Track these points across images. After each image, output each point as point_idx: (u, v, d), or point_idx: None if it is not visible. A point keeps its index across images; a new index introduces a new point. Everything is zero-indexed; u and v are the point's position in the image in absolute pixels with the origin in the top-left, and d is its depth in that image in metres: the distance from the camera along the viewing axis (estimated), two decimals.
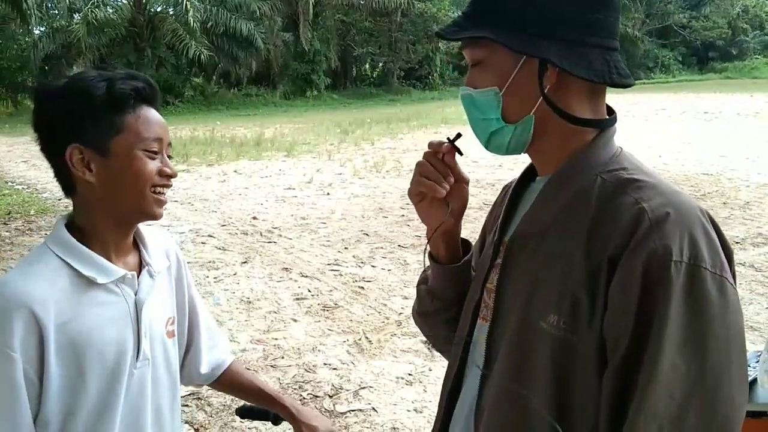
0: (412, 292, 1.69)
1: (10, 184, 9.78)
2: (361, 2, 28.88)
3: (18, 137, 14.89)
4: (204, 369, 1.36)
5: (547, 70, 0.89)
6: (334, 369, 3.69)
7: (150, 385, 1.16)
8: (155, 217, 1.12)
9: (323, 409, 3.25)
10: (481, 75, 0.94)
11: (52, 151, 1.09)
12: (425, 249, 1.12)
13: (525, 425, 0.90)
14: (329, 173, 10.40)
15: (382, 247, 6.17)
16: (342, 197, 8.61)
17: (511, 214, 1.03)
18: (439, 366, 3.60)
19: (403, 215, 7.38)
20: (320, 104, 26.49)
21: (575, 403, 0.85)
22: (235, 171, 10.78)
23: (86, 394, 1.06)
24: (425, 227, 1.09)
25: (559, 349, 0.86)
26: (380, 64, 34.10)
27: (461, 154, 1.02)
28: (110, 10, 23.98)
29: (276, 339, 4.11)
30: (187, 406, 3.22)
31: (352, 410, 3.25)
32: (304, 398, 3.36)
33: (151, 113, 1.11)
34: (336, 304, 4.71)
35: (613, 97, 0.94)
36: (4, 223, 7.18)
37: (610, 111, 0.97)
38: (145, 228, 1.21)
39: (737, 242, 5.92)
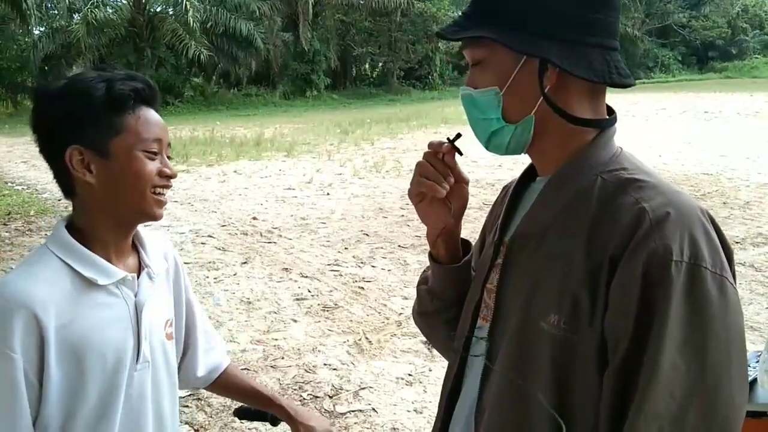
0: (412, 293, 1.69)
1: (10, 184, 9.78)
2: (361, 2, 28.88)
3: (18, 138, 14.89)
4: (200, 372, 1.36)
5: (547, 70, 0.89)
6: (334, 369, 3.69)
7: (150, 387, 1.16)
8: (155, 217, 1.12)
9: (323, 410, 3.25)
10: (482, 75, 0.94)
11: (52, 153, 1.09)
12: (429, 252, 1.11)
13: (526, 424, 0.90)
14: (329, 173, 10.40)
15: (382, 248, 6.17)
16: (342, 197, 8.61)
17: (512, 215, 1.03)
18: (439, 366, 3.60)
19: (403, 215, 7.38)
20: (320, 104, 26.49)
21: (575, 403, 0.85)
22: (235, 171, 10.78)
23: (86, 396, 1.06)
24: (425, 227, 1.09)
25: (560, 349, 0.86)
26: (380, 64, 34.10)
27: (461, 154, 1.02)
28: (110, 11, 23.98)
29: (276, 339, 4.11)
30: (186, 406, 3.22)
31: (352, 411, 3.25)
32: (304, 399, 3.36)
33: (151, 114, 1.11)
34: (336, 305, 4.71)
35: (613, 97, 0.93)
36: (4, 224, 7.18)
37: (610, 111, 0.97)
38: (143, 230, 1.21)
39: (737, 242, 5.92)
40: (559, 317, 0.86)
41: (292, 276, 5.38)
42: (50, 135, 1.08)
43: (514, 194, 1.05)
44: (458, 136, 1.02)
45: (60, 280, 1.05)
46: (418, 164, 1.02)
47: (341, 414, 3.21)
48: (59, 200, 7.99)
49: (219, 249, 6.22)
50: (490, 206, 1.17)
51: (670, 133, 14.13)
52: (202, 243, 6.43)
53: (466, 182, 1.05)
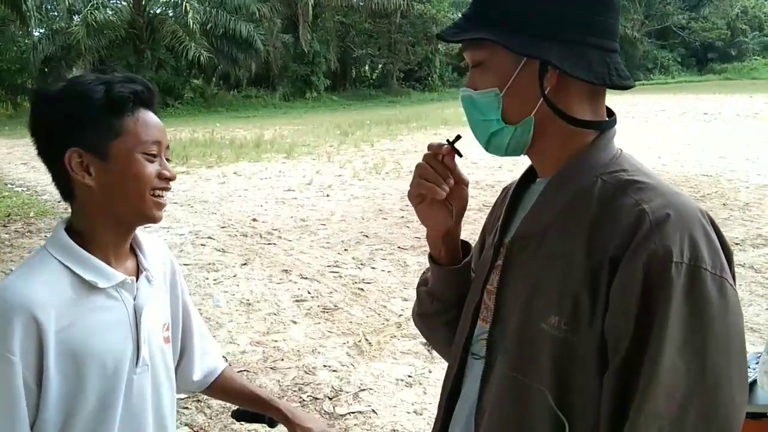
0: (412, 294, 1.69)
1: (9, 186, 9.77)
2: (361, 4, 28.90)
3: (18, 139, 14.88)
4: (196, 376, 1.36)
5: (547, 71, 0.89)
6: (334, 371, 3.69)
7: (150, 391, 1.16)
8: (155, 220, 1.12)
9: (323, 411, 3.25)
10: (482, 76, 0.94)
11: (51, 156, 1.08)
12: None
13: (526, 424, 0.90)
14: (329, 175, 10.40)
15: (381, 249, 6.17)
16: (342, 199, 8.61)
17: (512, 216, 1.03)
18: (439, 368, 3.60)
19: (402, 217, 7.38)
20: (320, 106, 26.50)
21: (576, 403, 0.86)
22: (235, 173, 10.78)
23: (85, 400, 1.05)
24: (425, 229, 1.09)
25: (560, 350, 0.86)
26: (380, 66, 34.11)
27: (461, 155, 1.02)
28: (110, 12, 23.97)
29: (276, 341, 4.11)
30: (186, 408, 3.22)
31: (352, 412, 3.25)
32: (303, 400, 3.36)
33: (150, 116, 1.11)
34: (336, 306, 4.71)
35: (612, 99, 0.94)
36: (4, 226, 7.17)
37: (610, 113, 0.97)
38: (141, 234, 1.21)
39: (737, 243, 5.92)
40: (559, 318, 0.86)
41: (291, 277, 5.38)
42: (49, 137, 1.08)
43: (514, 196, 1.05)
44: (458, 137, 1.02)
45: (60, 283, 1.05)
46: (418, 166, 1.02)
47: (341, 415, 3.21)
48: (59, 202, 7.98)
49: (219, 250, 6.22)
50: (490, 207, 1.17)
51: (669, 134, 14.14)
52: (202, 244, 6.43)
53: (466, 184, 1.05)
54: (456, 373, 1.05)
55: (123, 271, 1.13)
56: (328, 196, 8.84)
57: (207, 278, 5.34)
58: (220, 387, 1.40)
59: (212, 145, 13.84)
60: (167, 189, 1.12)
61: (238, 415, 1.44)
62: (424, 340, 1.75)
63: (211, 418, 3.16)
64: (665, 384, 0.78)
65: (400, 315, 4.47)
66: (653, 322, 0.79)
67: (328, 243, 6.45)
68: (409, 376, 3.61)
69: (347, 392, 3.44)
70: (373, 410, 3.26)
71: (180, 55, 23.50)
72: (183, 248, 6.25)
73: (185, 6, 21.81)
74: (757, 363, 1.73)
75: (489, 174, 9.53)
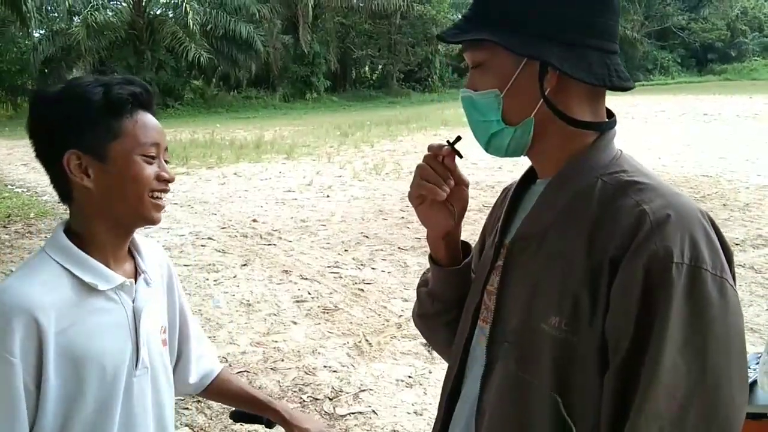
0: (412, 295, 1.70)
1: (9, 187, 9.77)
2: (361, 5, 28.91)
3: (18, 140, 14.89)
4: (193, 379, 1.36)
5: (547, 72, 0.89)
6: (334, 371, 3.69)
7: (150, 393, 1.15)
8: (154, 222, 1.12)
9: (323, 412, 3.25)
10: (482, 77, 0.94)
11: (49, 157, 1.08)
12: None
13: (527, 425, 0.90)
14: (329, 176, 10.40)
15: (381, 250, 6.17)
16: (342, 199, 8.61)
17: (512, 217, 1.03)
18: (439, 368, 3.60)
19: (402, 217, 7.39)
20: (320, 106, 26.51)
21: (576, 404, 0.86)
22: (235, 173, 10.78)
23: (84, 402, 1.05)
24: (425, 229, 1.09)
25: (560, 350, 0.86)
26: (380, 67, 34.13)
27: (461, 156, 1.02)
28: (110, 13, 23.97)
29: (276, 341, 4.11)
30: (187, 409, 3.22)
31: (352, 413, 3.25)
32: (304, 401, 3.36)
33: (148, 118, 1.10)
34: (336, 307, 4.71)
35: (612, 99, 0.94)
36: (4, 226, 7.17)
37: (610, 114, 0.98)
38: (138, 237, 1.20)
39: (737, 244, 5.92)
40: (559, 319, 0.86)
41: (291, 278, 5.38)
42: (48, 139, 1.08)
43: (514, 196, 1.05)
44: (458, 138, 1.03)
45: (60, 285, 1.04)
46: (419, 167, 1.03)
47: (341, 416, 3.21)
48: (59, 203, 7.92)
49: (219, 251, 6.22)
50: (490, 208, 1.17)
51: (669, 135, 14.14)
52: (202, 245, 6.43)
53: (466, 185, 1.05)
54: (456, 373, 1.06)
55: (122, 273, 1.13)
56: (328, 196, 8.84)
57: (207, 279, 5.35)
58: (216, 389, 1.40)
59: (212, 146, 13.84)
60: (166, 191, 1.12)
61: (236, 416, 1.45)
62: (425, 341, 1.76)
63: (211, 419, 3.16)
64: (666, 384, 0.78)
65: (401, 315, 4.47)
66: (654, 323, 0.79)
67: (328, 244, 6.45)
68: (410, 377, 3.61)
69: (347, 393, 3.44)
70: (374, 411, 3.26)
71: (180, 56, 23.51)
72: (183, 249, 6.25)
73: (185, 7, 21.82)
74: (758, 363, 1.73)
75: (489, 175, 9.54)
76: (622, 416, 0.80)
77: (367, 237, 6.66)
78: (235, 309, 4.68)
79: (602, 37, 0.90)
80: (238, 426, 3.06)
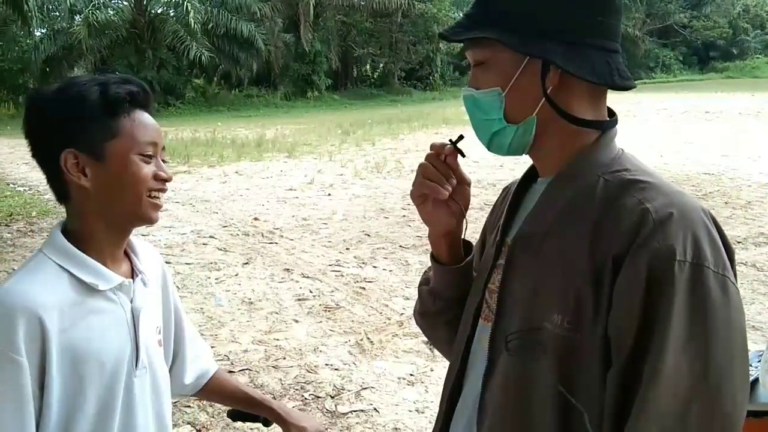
0: (414, 293, 1.70)
1: (11, 185, 9.78)
2: (362, 3, 28.90)
3: (20, 139, 14.66)
4: (188, 380, 1.36)
5: (549, 71, 0.89)
6: (336, 369, 3.70)
7: (150, 393, 1.15)
8: (151, 221, 1.11)
9: (325, 410, 3.25)
10: (484, 75, 0.94)
11: (46, 157, 1.08)
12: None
13: (529, 423, 0.90)
14: (330, 174, 10.40)
15: (383, 248, 6.17)
16: (343, 198, 8.61)
17: (513, 215, 1.03)
18: (440, 366, 3.61)
19: (404, 216, 7.39)
20: (321, 105, 26.51)
21: (580, 401, 0.86)
22: (237, 172, 10.78)
23: (85, 403, 1.05)
24: (426, 228, 1.09)
25: (563, 349, 0.86)
26: (381, 65, 34.12)
27: (463, 155, 1.02)
28: (111, 12, 24.00)
29: (277, 340, 4.11)
30: (188, 407, 3.22)
31: (354, 411, 3.25)
32: (305, 399, 3.37)
33: (146, 117, 1.10)
34: (337, 305, 4.71)
35: (614, 98, 0.94)
36: (6, 225, 7.18)
37: (611, 113, 0.98)
38: (132, 238, 1.20)
39: (739, 242, 5.92)
40: (562, 317, 0.86)
41: (293, 276, 5.38)
42: (44, 138, 1.07)
43: (516, 195, 1.05)
44: (460, 137, 1.03)
45: (60, 285, 1.04)
46: (421, 166, 1.03)
47: (343, 414, 3.22)
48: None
49: (220, 249, 6.22)
50: (491, 207, 1.17)
51: (671, 133, 14.13)
52: (204, 244, 6.44)
53: (468, 183, 1.05)
54: (458, 371, 1.06)
55: (119, 273, 1.12)
56: (329, 195, 8.84)
57: (209, 277, 5.35)
58: (212, 389, 1.40)
59: (214, 145, 13.84)
60: (163, 190, 1.12)
61: (233, 415, 1.45)
62: (426, 339, 1.76)
63: (213, 417, 3.17)
64: (668, 382, 0.78)
65: (402, 314, 4.47)
66: (656, 321, 0.79)
67: (329, 242, 6.45)
68: (411, 375, 3.61)
69: (349, 391, 3.44)
70: (375, 409, 3.27)
71: (181, 55, 23.53)
72: (185, 247, 6.26)
73: (186, 6, 21.82)
74: (759, 361, 1.73)
75: (490, 173, 9.53)
76: (625, 413, 0.80)
77: (368, 235, 6.66)
78: (237, 307, 4.69)
79: (604, 36, 0.90)
80: (239, 424, 3.06)
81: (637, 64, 36.59)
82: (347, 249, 6.18)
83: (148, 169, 1.08)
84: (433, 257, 1.12)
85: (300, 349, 3.96)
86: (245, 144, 13.85)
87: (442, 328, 1.16)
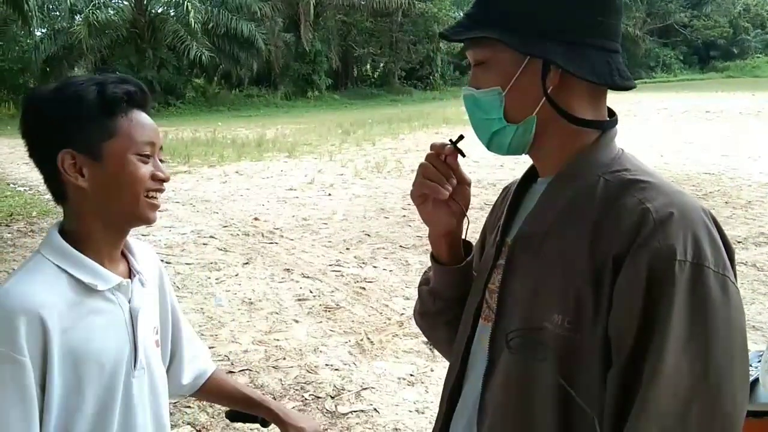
0: (414, 293, 1.70)
1: (12, 185, 9.78)
2: (362, 3, 28.90)
3: (20, 139, 14.75)
4: (186, 380, 1.36)
5: (550, 71, 0.89)
6: (336, 370, 3.70)
7: (148, 393, 1.15)
8: (149, 221, 1.11)
9: (325, 410, 3.25)
10: (484, 75, 0.94)
11: (43, 157, 1.07)
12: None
13: (529, 423, 0.90)
14: (331, 174, 10.40)
15: (383, 248, 6.17)
16: (343, 198, 8.61)
17: (513, 215, 1.03)
18: (440, 366, 3.60)
19: (404, 216, 7.39)
20: (321, 105, 26.51)
21: (580, 400, 0.86)
22: (237, 172, 10.78)
23: (83, 403, 1.04)
24: (427, 228, 1.09)
25: (563, 349, 0.86)
26: (381, 65, 34.12)
27: (464, 155, 1.02)
28: (111, 12, 24.01)
29: (278, 340, 4.11)
30: (188, 407, 3.22)
31: (354, 411, 3.25)
32: (305, 399, 3.37)
33: (143, 117, 1.09)
34: (338, 305, 4.71)
35: (614, 97, 0.94)
36: (7, 225, 7.18)
37: (611, 113, 0.98)
38: (129, 238, 1.20)
39: (739, 241, 5.91)
40: (562, 317, 0.86)
41: (293, 276, 5.38)
42: (41, 139, 1.07)
43: (516, 195, 1.05)
44: (461, 137, 1.03)
45: (59, 286, 1.03)
46: (421, 166, 1.03)
47: (343, 414, 3.22)
48: None
49: (221, 249, 6.22)
50: (491, 206, 1.17)
51: (671, 132, 14.13)
52: (204, 244, 6.44)
53: (468, 183, 1.05)
54: (458, 372, 1.06)
55: (117, 273, 1.12)
56: (329, 195, 8.85)
57: (209, 277, 5.35)
58: (210, 390, 1.40)
59: (214, 145, 13.84)
60: (161, 190, 1.11)
61: (232, 416, 1.45)
62: (426, 339, 1.76)
63: (213, 417, 3.17)
64: (668, 381, 0.78)
65: (402, 314, 4.47)
66: (656, 320, 0.79)
67: (329, 242, 6.45)
68: (411, 375, 3.61)
69: (349, 391, 3.44)
70: (375, 409, 3.27)
71: (182, 55, 23.53)
72: (185, 247, 6.26)
73: (187, 5, 21.83)
74: (759, 361, 1.73)
75: (491, 173, 9.53)
76: (625, 413, 0.80)
77: (368, 235, 6.66)
78: (237, 307, 4.69)
79: (604, 36, 0.90)
80: (239, 425, 3.06)
81: (637, 64, 36.59)
82: (347, 249, 6.18)
83: (145, 169, 1.08)
84: (433, 257, 1.12)
85: (300, 350, 3.96)
86: (245, 144, 13.85)
87: (442, 328, 1.16)
